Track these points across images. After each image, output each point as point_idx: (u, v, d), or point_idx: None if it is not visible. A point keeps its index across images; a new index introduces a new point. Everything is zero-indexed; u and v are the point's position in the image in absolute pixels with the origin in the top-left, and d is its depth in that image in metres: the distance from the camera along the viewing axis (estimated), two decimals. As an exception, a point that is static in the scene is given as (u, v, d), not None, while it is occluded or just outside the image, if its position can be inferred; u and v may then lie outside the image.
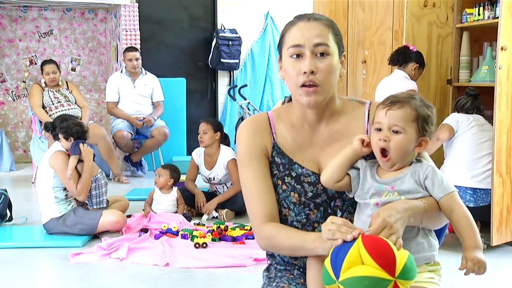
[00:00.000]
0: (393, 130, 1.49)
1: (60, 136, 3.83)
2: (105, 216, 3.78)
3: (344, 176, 1.52)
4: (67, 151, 3.81)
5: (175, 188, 4.39)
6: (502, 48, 3.36)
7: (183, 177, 4.67)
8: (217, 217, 4.35)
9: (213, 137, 4.43)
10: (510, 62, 3.41)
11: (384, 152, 1.50)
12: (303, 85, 1.49)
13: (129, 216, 4.19)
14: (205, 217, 4.32)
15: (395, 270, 1.29)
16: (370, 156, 1.56)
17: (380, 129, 1.50)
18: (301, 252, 1.50)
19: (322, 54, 1.48)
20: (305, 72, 1.47)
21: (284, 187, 1.59)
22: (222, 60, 7.13)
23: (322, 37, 1.49)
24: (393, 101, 1.51)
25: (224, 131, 4.69)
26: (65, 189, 3.78)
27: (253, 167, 1.58)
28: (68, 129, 3.82)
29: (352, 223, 1.54)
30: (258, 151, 1.59)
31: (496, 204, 3.44)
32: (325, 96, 1.51)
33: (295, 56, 1.50)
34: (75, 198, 3.84)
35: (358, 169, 1.53)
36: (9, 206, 4.17)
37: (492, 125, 3.52)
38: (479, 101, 3.72)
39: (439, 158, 3.73)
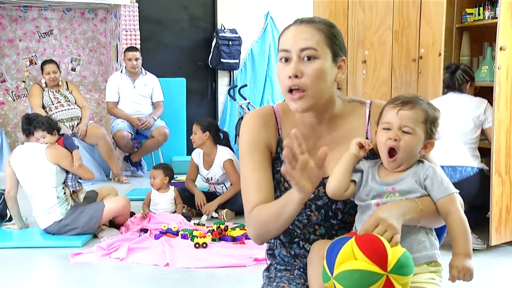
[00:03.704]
0: (403, 130, 1.49)
1: (42, 133, 3.81)
2: (109, 204, 3.80)
3: (350, 184, 1.51)
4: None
5: (172, 187, 4.39)
6: (501, 48, 3.36)
7: (182, 177, 4.67)
8: (217, 217, 4.36)
9: (202, 137, 4.42)
10: (509, 62, 3.41)
11: (391, 152, 1.49)
12: (290, 91, 1.48)
13: (131, 216, 4.20)
14: (204, 217, 4.33)
15: (387, 265, 1.30)
16: (370, 157, 1.56)
17: (389, 129, 1.50)
18: (284, 213, 1.42)
19: (309, 58, 1.46)
20: (290, 77, 1.47)
21: (286, 185, 1.58)
22: (222, 60, 7.14)
23: (310, 41, 1.47)
24: (404, 101, 1.51)
25: (224, 130, 4.69)
26: (65, 186, 3.82)
27: (253, 158, 1.56)
28: (48, 123, 3.82)
29: (353, 224, 1.55)
30: (261, 143, 1.58)
31: (495, 204, 3.44)
32: (314, 101, 1.49)
33: (284, 60, 1.50)
34: (70, 195, 3.86)
35: (361, 171, 1.53)
36: (9, 206, 4.18)
37: (473, 95, 3.64)
38: (458, 73, 3.66)
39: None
